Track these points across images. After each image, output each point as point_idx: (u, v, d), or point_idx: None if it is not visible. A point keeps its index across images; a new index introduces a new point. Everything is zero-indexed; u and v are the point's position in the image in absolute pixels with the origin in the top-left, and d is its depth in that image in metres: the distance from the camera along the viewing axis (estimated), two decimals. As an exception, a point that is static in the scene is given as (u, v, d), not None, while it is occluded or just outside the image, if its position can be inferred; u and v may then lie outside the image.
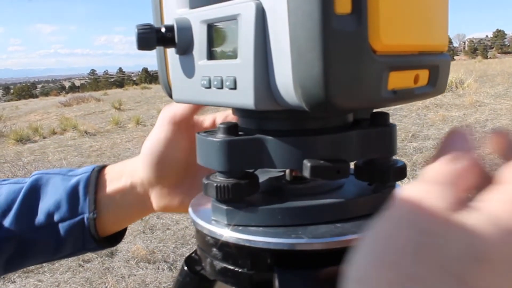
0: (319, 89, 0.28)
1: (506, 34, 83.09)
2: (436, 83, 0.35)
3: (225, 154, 0.35)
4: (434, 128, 6.29)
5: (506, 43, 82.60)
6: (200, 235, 0.38)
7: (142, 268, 3.20)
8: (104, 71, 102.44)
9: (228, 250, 0.36)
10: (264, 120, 0.36)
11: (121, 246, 3.39)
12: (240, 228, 0.35)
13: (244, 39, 0.31)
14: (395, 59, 0.31)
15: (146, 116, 9.98)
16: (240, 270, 0.35)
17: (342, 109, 0.29)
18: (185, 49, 0.37)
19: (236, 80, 0.32)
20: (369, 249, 0.25)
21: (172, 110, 0.51)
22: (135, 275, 3.14)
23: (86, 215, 0.53)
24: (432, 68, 0.35)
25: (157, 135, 0.52)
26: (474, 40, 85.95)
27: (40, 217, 0.54)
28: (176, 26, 0.36)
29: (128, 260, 3.32)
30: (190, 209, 0.41)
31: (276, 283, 0.33)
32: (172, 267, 3.19)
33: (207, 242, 0.37)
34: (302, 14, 0.27)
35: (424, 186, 0.26)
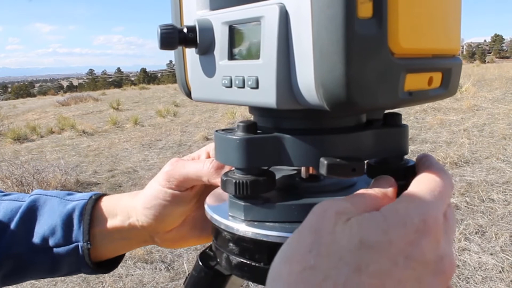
0: (340, 89, 0.29)
1: (504, 39, 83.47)
2: (448, 85, 0.36)
3: (244, 152, 0.36)
4: (432, 131, 6.32)
5: (504, 47, 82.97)
6: (217, 230, 0.39)
7: (139, 268, 3.20)
8: (103, 71, 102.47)
9: (245, 245, 0.37)
10: (282, 119, 0.37)
11: (119, 245, 3.39)
12: (257, 223, 0.36)
13: (267, 40, 0.33)
14: (412, 61, 0.32)
15: (144, 116, 9.98)
16: (256, 265, 0.36)
17: (361, 109, 0.30)
18: (206, 50, 0.38)
19: (258, 79, 0.34)
20: (282, 253, 0.30)
21: (177, 171, 0.50)
22: (132, 275, 3.14)
23: (80, 244, 0.53)
24: (445, 71, 0.36)
25: (160, 193, 0.50)
26: (472, 45, 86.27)
27: (36, 239, 0.54)
28: (198, 27, 0.37)
29: (126, 260, 3.32)
30: (206, 205, 0.42)
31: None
32: (169, 268, 3.19)
33: (223, 237, 0.38)
34: (326, 17, 0.29)
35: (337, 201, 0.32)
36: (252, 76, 0.34)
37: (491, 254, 3.01)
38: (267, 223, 0.36)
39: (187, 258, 3.23)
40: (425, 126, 6.64)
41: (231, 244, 0.37)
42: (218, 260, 0.40)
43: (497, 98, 8.42)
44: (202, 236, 0.53)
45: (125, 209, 0.54)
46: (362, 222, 0.29)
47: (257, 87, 0.34)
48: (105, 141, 7.70)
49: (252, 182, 0.36)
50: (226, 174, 0.38)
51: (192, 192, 0.50)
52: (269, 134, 0.36)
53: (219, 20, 0.37)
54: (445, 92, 0.36)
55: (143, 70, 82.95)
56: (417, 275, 0.28)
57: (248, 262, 0.37)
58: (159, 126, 8.65)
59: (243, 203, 0.37)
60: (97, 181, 5.20)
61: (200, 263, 0.43)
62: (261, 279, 0.36)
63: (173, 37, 0.37)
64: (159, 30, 0.37)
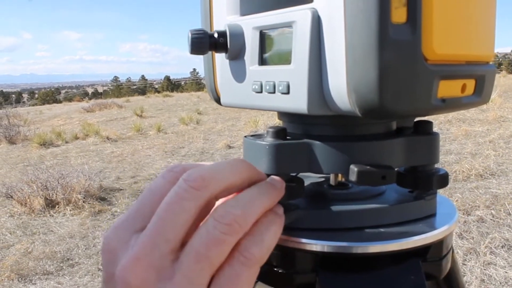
0: (373, 95, 0.29)
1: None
2: (481, 93, 0.36)
3: (273, 157, 0.35)
4: (456, 143, 6.23)
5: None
6: None
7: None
8: (127, 78, 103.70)
9: (273, 252, 0.36)
10: (312, 125, 0.37)
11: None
12: (286, 230, 0.36)
13: (299, 45, 0.33)
14: (445, 68, 0.31)
15: (167, 123, 10.06)
16: (283, 272, 0.36)
17: (393, 115, 0.30)
18: (236, 55, 0.38)
19: (290, 85, 0.33)
20: None
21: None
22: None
23: None
24: (478, 78, 0.35)
25: None
26: (498, 55, 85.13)
27: None
28: (229, 32, 0.37)
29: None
30: None
31: (320, 285, 0.34)
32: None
33: None
34: (360, 22, 0.28)
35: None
36: (283, 81, 0.34)
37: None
38: (295, 230, 0.36)
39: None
40: (449, 137, 6.54)
41: None
42: None
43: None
44: None
45: None
46: None
47: (288, 93, 0.34)
48: (128, 148, 7.79)
49: None
50: None
51: None
52: (299, 140, 0.36)
53: (250, 25, 0.37)
54: (478, 100, 0.36)
55: (167, 78, 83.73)
56: None
57: (274, 268, 0.36)
58: (182, 134, 8.71)
59: None
60: (120, 187, 5.25)
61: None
62: (287, 286, 0.36)
63: (204, 42, 0.37)
64: (189, 35, 0.37)
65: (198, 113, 11.27)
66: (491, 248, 3.23)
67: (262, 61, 0.37)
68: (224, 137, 7.69)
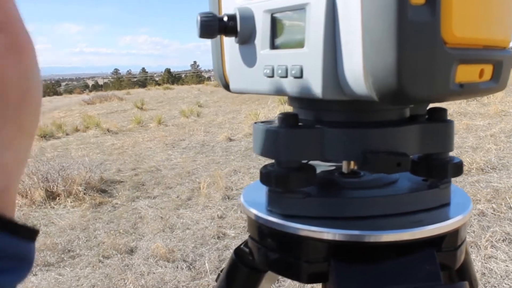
0: (391, 78, 0.28)
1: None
2: (499, 79, 0.35)
3: (285, 144, 0.35)
4: (457, 136, 6.21)
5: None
6: (254, 225, 0.38)
7: (161, 267, 3.21)
8: (127, 71, 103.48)
9: (284, 241, 0.35)
10: (324, 111, 0.36)
11: (141, 244, 3.42)
12: (298, 218, 0.35)
13: (313, 28, 0.32)
14: (464, 52, 0.30)
15: (167, 116, 10.03)
16: (295, 261, 0.35)
17: (412, 100, 0.29)
18: (247, 39, 0.37)
19: (303, 68, 0.32)
20: None
21: None
22: (154, 273, 3.15)
23: None
24: (496, 63, 0.34)
25: None
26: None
27: None
28: (239, 15, 0.36)
29: (148, 258, 3.34)
30: (242, 199, 0.41)
31: (333, 274, 0.33)
32: (191, 267, 3.20)
33: (261, 232, 0.37)
34: (378, 4, 0.27)
35: None
36: (296, 65, 0.33)
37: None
38: (308, 219, 0.35)
39: (209, 257, 3.23)
40: (451, 131, 6.51)
41: (269, 240, 0.36)
42: (254, 256, 0.39)
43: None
44: None
45: None
46: None
47: (301, 77, 0.33)
48: (129, 140, 7.78)
49: (293, 176, 0.34)
50: (265, 167, 0.37)
51: None
52: (311, 127, 0.35)
53: (261, 9, 0.36)
54: (496, 86, 0.35)
55: (168, 71, 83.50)
56: None
57: (287, 258, 0.36)
58: (183, 126, 8.69)
59: (283, 197, 0.36)
60: (121, 179, 5.25)
61: (236, 258, 0.42)
62: (300, 276, 0.35)
63: (213, 25, 0.36)
64: (198, 18, 0.36)
65: (198, 106, 11.24)
66: (492, 242, 3.23)
67: (274, 45, 0.36)
68: (225, 130, 7.67)
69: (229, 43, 0.40)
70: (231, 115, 9.46)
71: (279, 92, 0.35)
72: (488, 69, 0.34)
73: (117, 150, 6.91)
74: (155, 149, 6.74)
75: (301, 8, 0.33)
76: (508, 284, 2.71)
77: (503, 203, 3.83)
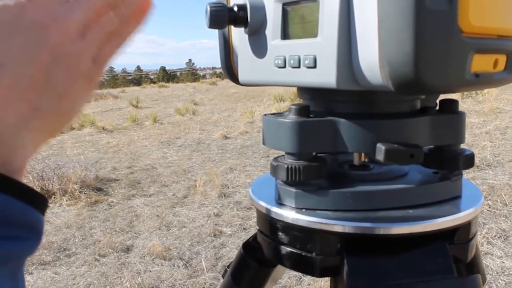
0: (408, 68, 0.27)
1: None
2: (512, 70, 0.34)
3: (296, 136, 0.34)
4: (453, 134, 6.22)
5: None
6: (264, 219, 0.38)
7: (157, 265, 3.20)
8: (122, 69, 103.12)
9: (296, 234, 0.35)
10: (336, 103, 0.36)
11: (137, 242, 3.41)
12: (309, 211, 0.35)
13: (327, 17, 0.31)
14: (479, 41, 0.30)
15: (163, 114, 10.02)
16: (307, 255, 0.35)
17: (428, 89, 0.29)
18: (257, 29, 0.37)
19: (316, 58, 0.32)
20: None
21: None
22: (150, 271, 3.14)
23: None
24: (510, 54, 0.34)
25: None
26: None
27: None
28: (249, 5, 0.36)
29: (144, 256, 3.33)
30: (251, 192, 0.40)
31: (345, 268, 0.33)
32: (187, 265, 3.19)
33: (272, 226, 0.37)
34: None
35: None
36: (309, 55, 0.32)
37: (515, 259, 2.95)
38: (320, 211, 0.35)
39: (205, 255, 3.23)
40: (446, 128, 6.53)
41: (280, 233, 0.36)
42: (264, 250, 0.38)
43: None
44: None
45: None
46: None
47: (314, 66, 0.32)
48: (124, 138, 7.75)
49: (305, 168, 0.34)
50: (276, 159, 0.36)
51: None
52: (323, 118, 0.35)
53: None
54: (509, 77, 0.34)
55: (163, 69, 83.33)
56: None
57: (298, 252, 0.35)
58: (178, 124, 8.68)
59: (294, 190, 0.35)
60: (116, 177, 5.23)
61: (244, 253, 0.41)
62: (312, 270, 0.35)
63: (223, 16, 0.36)
64: (208, 8, 0.35)
65: (194, 104, 11.22)
66: (488, 238, 3.24)
67: (285, 35, 0.35)
68: (221, 128, 7.66)
69: (237, 34, 0.39)
70: (227, 113, 9.45)
71: (291, 82, 0.35)
72: (502, 59, 0.33)
73: (112, 148, 6.88)
74: (151, 147, 6.73)
75: None
76: (504, 280, 2.72)
77: (498, 200, 3.84)
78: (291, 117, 0.35)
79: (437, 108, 0.38)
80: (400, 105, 0.35)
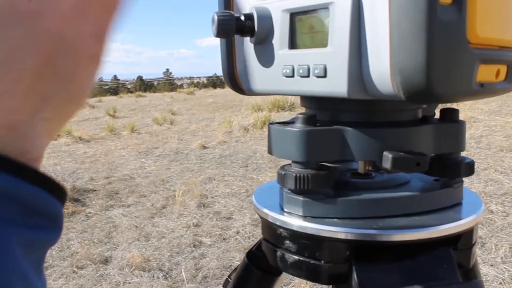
0: (420, 77, 0.28)
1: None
2: (512, 80, 0.35)
3: (304, 144, 0.34)
4: (429, 143, 6.30)
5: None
6: (270, 227, 0.38)
7: (137, 276, 3.16)
8: (99, 78, 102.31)
9: (304, 242, 0.35)
10: (342, 112, 0.36)
11: (116, 253, 3.36)
12: (317, 219, 0.35)
13: (338, 27, 0.32)
14: (485, 52, 0.31)
15: (140, 124, 9.94)
16: (316, 263, 0.35)
17: (438, 98, 0.29)
18: (263, 39, 0.37)
19: (327, 68, 0.32)
20: None
21: None
22: (129, 282, 3.10)
23: None
24: (510, 64, 0.35)
25: None
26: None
27: None
28: (256, 15, 0.36)
29: (123, 268, 3.28)
30: (255, 201, 0.41)
31: (354, 275, 0.33)
32: (167, 276, 3.16)
33: (279, 234, 0.37)
34: (407, 3, 0.28)
35: None
36: (319, 64, 0.33)
37: (492, 266, 2.99)
38: (327, 219, 0.35)
39: (185, 266, 3.20)
40: (422, 137, 6.62)
41: (287, 242, 0.36)
42: (269, 258, 0.38)
43: (493, 110, 8.43)
44: None
45: None
46: None
47: (325, 76, 0.33)
48: (101, 148, 7.66)
49: (313, 176, 0.34)
50: (283, 167, 0.36)
51: None
52: (330, 127, 0.35)
53: (279, 8, 0.36)
54: (509, 86, 0.36)
55: (140, 78, 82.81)
56: None
57: (307, 260, 0.35)
58: (156, 134, 8.62)
59: (302, 198, 0.36)
60: (94, 187, 5.16)
61: (248, 262, 0.41)
62: (321, 278, 0.35)
63: (231, 25, 0.36)
64: (216, 17, 0.36)
65: (172, 114, 11.17)
66: (465, 245, 3.28)
67: (292, 45, 0.36)
68: (199, 137, 7.64)
69: (241, 43, 0.40)
70: (205, 123, 9.43)
71: (300, 91, 0.35)
72: (503, 70, 0.34)
73: (89, 159, 6.80)
74: (128, 157, 6.66)
75: (324, 7, 0.33)
76: (486, 285, 2.76)
77: (475, 208, 3.91)
78: (299, 126, 0.35)
79: (438, 117, 0.39)
80: (404, 114, 0.36)
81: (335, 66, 0.32)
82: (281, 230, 0.36)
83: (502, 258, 3.08)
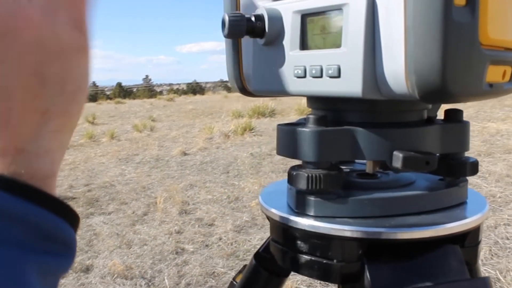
0: (436, 77, 0.29)
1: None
2: (516, 81, 0.36)
3: (316, 144, 0.35)
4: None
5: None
6: (280, 228, 0.38)
7: (119, 284, 3.12)
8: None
9: (316, 242, 0.35)
10: (351, 112, 0.36)
11: (97, 261, 3.32)
12: (329, 219, 0.35)
13: (352, 28, 0.32)
14: (494, 53, 0.32)
15: (120, 130, 9.85)
16: (328, 262, 0.35)
17: (452, 98, 0.30)
18: (274, 40, 0.37)
19: (341, 68, 0.33)
20: None
21: None
22: (111, 291, 3.06)
23: None
24: (514, 65, 0.36)
25: None
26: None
27: None
28: (267, 16, 0.36)
29: (105, 276, 3.24)
30: (262, 202, 0.41)
31: (366, 273, 0.34)
32: (150, 283, 3.13)
33: (289, 235, 0.37)
34: (422, 4, 0.28)
35: None
36: (333, 65, 0.33)
37: (472, 269, 3.04)
38: (339, 219, 0.35)
39: (168, 273, 3.17)
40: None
41: (299, 242, 0.36)
42: (279, 259, 0.38)
43: (470, 116, 8.57)
44: None
45: None
46: None
47: (338, 76, 0.33)
48: (80, 155, 7.56)
49: (325, 176, 0.35)
50: (294, 168, 0.37)
51: None
52: (341, 127, 0.35)
53: (290, 9, 0.36)
54: None
55: (119, 85, 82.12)
56: None
57: (319, 260, 0.35)
58: (136, 141, 8.54)
59: (313, 198, 0.36)
60: (74, 195, 5.09)
61: (256, 263, 0.41)
62: (333, 277, 0.35)
63: (242, 25, 0.36)
64: (227, 18, 0.36)
65: (152, 120, 11.11)
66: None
67: (304, 46, 0.36)
68: (179, 144, 7.60)
69: (249, 44, 0.40)
70: (185, 129, 9.39)
71: (312, 92, 0.35)
72: (508, 71, 0.35)
73: (68, 166, 6.71)
74: (108, 164, 6.59)
75: (337, 8, 0.33)
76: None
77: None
78: (310, 126, 0.35)
79: (443, 117, 0.39)
80: (412, 115, 0.37)
81: (349, 67, 0.32)
82: (292, 230, 0.37)
83: (482, 260, 3.12)
